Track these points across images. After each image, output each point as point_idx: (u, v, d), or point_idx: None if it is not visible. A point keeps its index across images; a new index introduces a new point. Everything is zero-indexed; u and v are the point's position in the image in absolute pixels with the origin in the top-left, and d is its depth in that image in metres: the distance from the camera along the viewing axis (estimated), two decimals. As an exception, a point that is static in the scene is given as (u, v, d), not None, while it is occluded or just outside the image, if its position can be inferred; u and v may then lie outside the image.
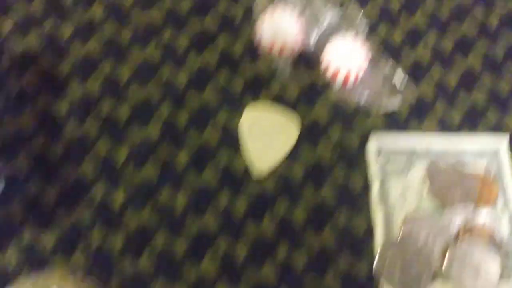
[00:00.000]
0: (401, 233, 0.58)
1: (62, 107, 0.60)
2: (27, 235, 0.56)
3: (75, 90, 0.61)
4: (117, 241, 0.56)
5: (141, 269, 0.56)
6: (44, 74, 0.61)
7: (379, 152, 0.61)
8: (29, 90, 0.61)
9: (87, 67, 0.62)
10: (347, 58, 0.62)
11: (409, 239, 0.58)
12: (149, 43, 0.64)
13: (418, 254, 0.57)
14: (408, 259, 0.57)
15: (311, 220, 0.58)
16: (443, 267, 0.57)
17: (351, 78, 0.62)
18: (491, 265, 0.57)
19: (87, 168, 0.58)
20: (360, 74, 0.63)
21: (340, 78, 0.62)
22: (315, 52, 0.64)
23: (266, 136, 0.60)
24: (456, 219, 0.59)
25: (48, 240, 0.56)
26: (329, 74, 0.63)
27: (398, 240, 0.57)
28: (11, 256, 0.55)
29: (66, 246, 0.56)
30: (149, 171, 0.58)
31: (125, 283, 0.55)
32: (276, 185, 0.59)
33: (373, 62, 0.64)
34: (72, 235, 0.56)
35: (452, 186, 0.60)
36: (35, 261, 0.55)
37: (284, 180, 0.59)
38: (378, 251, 0.57)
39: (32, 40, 0.63)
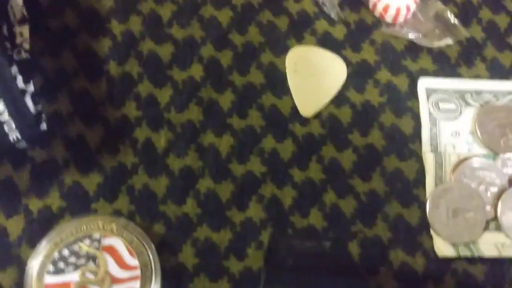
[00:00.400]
0: (452, 179, 0.56)
1: (103, 46, 0.58)
2: (69, 178, 0.54)
3: (116, 29, 0.58)
4: (161, 185, 0.54)
5: (185, 213, 0.54)
6: (84, 12, 0.59)
7: (429, 95, 0.58)
8: (69, 30, 0.58)
9: (127, 6, 0.59)
10: (397, -5, 0.59)
11: (461, 186, 0.56)
12: (191, -20, 0.61)
13: (470, 201, 0.55)
14: (460, 207, 0.55)
15: (359, 165, 0.56)
16: (496, 216, 0.55)
17: (401, 17, 0.60)
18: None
19: (130, 109, 0.56)
20: (410, 13, 0.60)
21: (389, 16, 0.60)
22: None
23: (312, 78, 0.58)
24: (509, 164, 0.57)
25: (91, 183, 0.54)
26: (377, 12, 0.60)
27: (449, 187, 0.55)
28: (54, 199, 0.53)
29: (109, 190, 0.54)
30: (193, 113, 0.56)
31: (169, 228, 0.53)
32: (322, 128, 0.57)
33: (423, 1, 0.61)
34: (115, 179, 0.54)
35: (504, 129, 0.57)
36: (78, 205, 0.53)
37: (330, 123, 0.57)
38: (429, 198, 0.55)
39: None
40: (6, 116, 0.48)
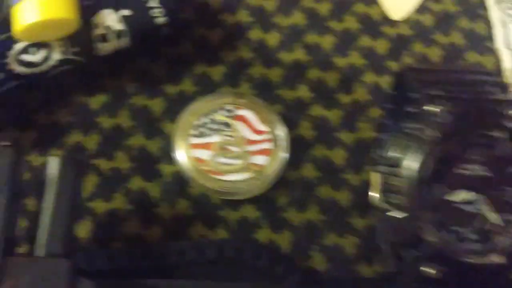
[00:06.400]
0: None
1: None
2: (198, 70, 0.63)
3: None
4: (275, 73, 0.62)
5: (298, 97, 0.62)
6: None
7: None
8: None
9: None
10: None
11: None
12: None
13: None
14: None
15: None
16: None
17: None
18: None
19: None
20: None
21: None
22: None
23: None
24: None
25: (217, 73, 0.63)
26: None
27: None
28: (187, 85, 0.62)
29: (231, 79, 0.62)
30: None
31: (286, 108, 0.61)
32: (411, 30, 0.65)
33: None
34: (235, 69, 0.63)
35: None
36: (206, 90, 0.61)
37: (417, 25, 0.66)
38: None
39: None
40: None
